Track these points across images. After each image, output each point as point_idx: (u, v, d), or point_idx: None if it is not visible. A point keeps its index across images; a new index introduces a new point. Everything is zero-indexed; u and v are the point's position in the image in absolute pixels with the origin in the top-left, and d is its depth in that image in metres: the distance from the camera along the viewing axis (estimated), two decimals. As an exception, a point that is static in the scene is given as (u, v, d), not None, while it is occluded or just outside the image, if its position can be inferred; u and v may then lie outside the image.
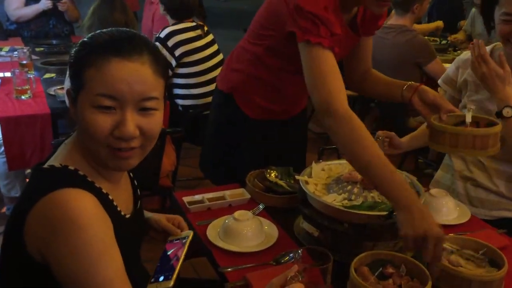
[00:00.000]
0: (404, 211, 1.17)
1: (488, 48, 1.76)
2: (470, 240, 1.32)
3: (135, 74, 0.97)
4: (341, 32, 1.47)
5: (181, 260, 1.13)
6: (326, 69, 1.37)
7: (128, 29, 1.05)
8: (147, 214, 1.31)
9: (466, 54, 1.87)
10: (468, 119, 1.41)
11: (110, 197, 1.04)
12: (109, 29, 1.03)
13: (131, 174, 1.23)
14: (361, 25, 1.64)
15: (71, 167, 0.99)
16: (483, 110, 1.75)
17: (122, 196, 1.12)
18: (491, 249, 1.27)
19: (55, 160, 1.02)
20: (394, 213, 1.24)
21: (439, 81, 1.99)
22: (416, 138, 1.88)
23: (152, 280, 1.10)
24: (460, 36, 4.63)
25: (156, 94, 1.01)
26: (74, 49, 1.02)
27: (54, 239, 0.91)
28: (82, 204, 0.93)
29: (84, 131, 0.98)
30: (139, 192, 1.22)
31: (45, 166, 1.01)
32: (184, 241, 1.21)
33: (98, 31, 1.03)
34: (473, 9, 4.60)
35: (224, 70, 1.85)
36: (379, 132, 1.73)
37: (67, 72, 1.04)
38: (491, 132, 1.35)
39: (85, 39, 1.01)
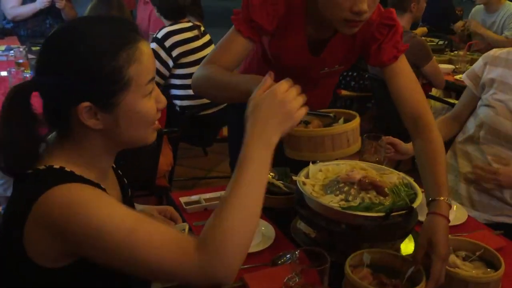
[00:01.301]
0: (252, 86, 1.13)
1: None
2: (467, 241, 1.32)
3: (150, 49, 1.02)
4: (294, 43, 1.52)
5: None
6: (223, 43, 1.48)
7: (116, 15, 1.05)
8: (138, 207, 1.30)
9: (496, 51, 1.85)
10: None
11: (102, 186, 1.04)
12: (111, 21, 1.01)
13: (118, 170, 1.22)
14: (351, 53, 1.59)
15: (56, 166, 0.98)
16: (508, 110, 1.75)
17: (111, 192, 1.11)
18: (488, 250, 1.27)
19: (37, 164, 0.99)
20: (391, 214, 1.24)
21: (463, 76, 1.93)
22: None
23: None
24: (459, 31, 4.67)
25: None
26: (103, 59, 0.94)
27: (66, 227, 0.90)
28: (80, 187, 0.94)
29: (134, 123, 0.99)
30: (127, 189, 1.22)
31: (28, 171, 0.99)
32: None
33: (103, 29, 0.98)
34: (474, 8, 4.57)
35: None
36: (384, 138, 1.70)
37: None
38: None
39: (108, 44, 0.95)
